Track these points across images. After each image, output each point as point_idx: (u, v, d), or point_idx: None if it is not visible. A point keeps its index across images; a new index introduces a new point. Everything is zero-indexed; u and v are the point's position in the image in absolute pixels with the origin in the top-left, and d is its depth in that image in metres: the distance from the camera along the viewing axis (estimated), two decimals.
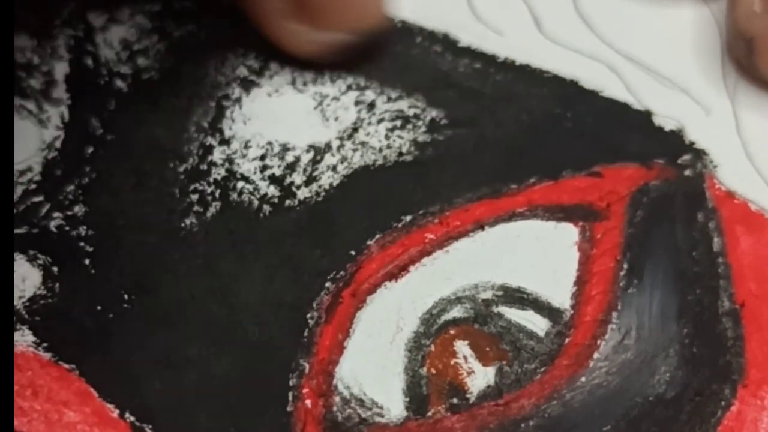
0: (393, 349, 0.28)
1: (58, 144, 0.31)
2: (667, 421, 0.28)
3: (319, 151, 0.31)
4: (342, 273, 0.29)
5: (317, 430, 0.27)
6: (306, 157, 0.31)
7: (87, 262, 0.29)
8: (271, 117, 0.32)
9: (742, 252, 0.30)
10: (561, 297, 0.29)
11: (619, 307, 0.29)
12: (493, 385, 0.28)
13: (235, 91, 0.32)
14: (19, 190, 0.30)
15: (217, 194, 0.31)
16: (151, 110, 0.31)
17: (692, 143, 0.32)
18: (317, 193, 0.31)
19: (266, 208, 0.30)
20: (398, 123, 0.32)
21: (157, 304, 0.29)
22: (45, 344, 0.28)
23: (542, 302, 0.29)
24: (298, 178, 0.31)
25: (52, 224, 0.30)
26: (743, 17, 0.33)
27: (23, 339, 0.28)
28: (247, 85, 0.32)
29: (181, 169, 0.31)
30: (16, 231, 0.30)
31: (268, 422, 0.27)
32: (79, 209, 0.30)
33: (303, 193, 0.31)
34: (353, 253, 0.30)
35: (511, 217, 0.31)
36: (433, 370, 0.28)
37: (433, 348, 0.28)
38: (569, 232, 0.30)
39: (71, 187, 0.30)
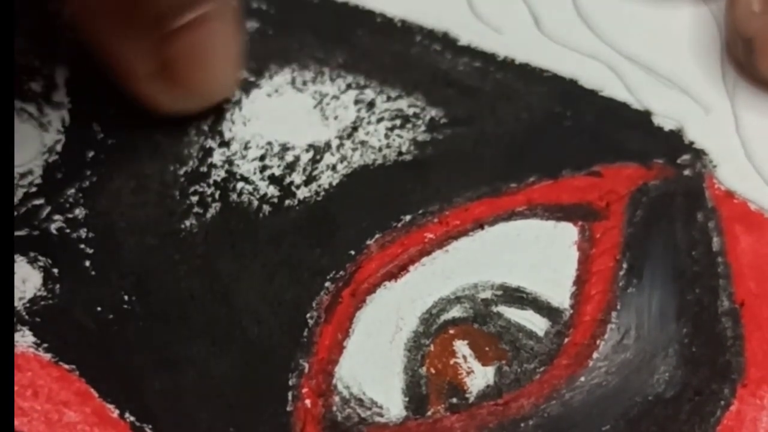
0: (392, 349, 0.28)
1: (59, 147, 0.31)
2: (666, 420, 0.28)
3: (318, 151, 0.31)
4: (341, 273, 0.29)
5: (317, 429, 0.27)
6: (305, 157, 0.31)
7: (87, 263, 0.29)
8: (270, 117, 0.32)
9: (742, 251, 0.30)
10: (560, 296, 0.29)
11: (618, 307, 0.29)
12: (492, 384, 0.28)
13: (235, 93, 0.32)
14: (20, 193, 0.30)
15: (216, 195, 0.31)
16: (152, 115, 0.31)
17: (692, 143, 0.32)
18: (317, 193, 0.31)
19: (266, 208, 0.30)
20: (398, 122, 0.32)
21: (157, 304, 0.29)
22: (45, 345, 0.28)
23: (542, 302, 0.29)
24: (297, 177, 0.31)
25: (53, 226, 0.30)
26: (742, 17, 0.33)
27: (24, 340, 0.28)
28: (247, 86, 0.32)
29: (181, 172, 0.31)
30: (17, 233, 0.30)
31: (267, 422, 0.27)
32: (79, 212, 0.30)
33: (302, 193, 0.31)
34: (353, 252, 0.30)
35: (511, 216, 0.31)
36: (432, 370, 0.28)
37: (432, 348, 0.28)
38: (569, 232, 0.30)
39: (72, 190, 0.31)
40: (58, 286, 0.29)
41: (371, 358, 0.28)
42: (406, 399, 0.28)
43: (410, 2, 0.35)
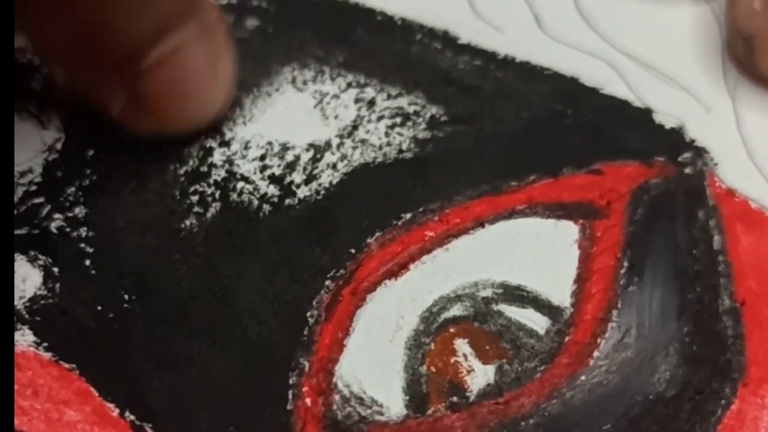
0: (393, 348, 0.28)
1: (59, 146, 0.31)
2: (667, 419, 0.27)
3: (318, 150, 0.31)
4: (342, 271, 0.29)
5: (317, 428, 0.27)
6: (306, 156, 0.31)
7: (87, 262, 0.29)
8: (271, 116, 0.32)
9: (743, 250, 0.30)
10: (561, 295, 0.29)
11: (619, 305, 0.29)
12: (493, 383, 0.28)
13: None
14: (19, 192, 0.30)
15: (217, 195, 0.31)
16: None
17: (693, 141, 0.32)
18: (317, 192, 0.31)
19: (266, 207, 0.30)
20: (398, 120, 0.32)
21: (157, 304, 0.29)
22: (45, 344, 0.28)
23: (542, 300, 0.29)
24: (297, 177, 0.31)
25: (53, 225, 0.30)
26: (742, 15, 0.33)
27: (24, 339, 0.28)
28: (248, 85, 0.32)
29: (182, 172, 0.31)
30: (17, 232, 0.30)
31: (267, 420, 0.27)
32: (79, 210, 0.30)
33: (303, 192, 0.31)
34: (353, 251, 0.30)
35: (511, 214, 0.31)
36: (433, 369, 0.28)
37: (433, 346, 0.28)
38: (569, 230, 0.30)
39: (72, 189, 0.31)
40: (58, 285, 0.29)
41: (371, 357, 0.28)
42: (407, 397, 0.28)
43: (410, 0, 0.35)
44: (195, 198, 0.30)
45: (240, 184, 0.31)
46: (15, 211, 0.30)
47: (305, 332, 0.28)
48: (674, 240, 0.30)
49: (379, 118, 0.32)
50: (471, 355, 0.28)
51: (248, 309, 0.29)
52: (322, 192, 0.31)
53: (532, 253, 0.30)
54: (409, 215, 0.30)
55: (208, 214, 0.30)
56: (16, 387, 0.27)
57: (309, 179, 0.31)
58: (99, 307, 0.29)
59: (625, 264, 0.30)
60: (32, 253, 0.29)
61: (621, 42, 0.34)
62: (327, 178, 0.31)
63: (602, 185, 0.31)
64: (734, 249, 0.30)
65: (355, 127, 0.32)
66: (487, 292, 0.29)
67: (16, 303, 0.29)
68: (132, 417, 0.27)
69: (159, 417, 0.27)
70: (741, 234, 0.30)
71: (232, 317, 0.29)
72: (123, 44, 0.28)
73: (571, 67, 0.33)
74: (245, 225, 0.30)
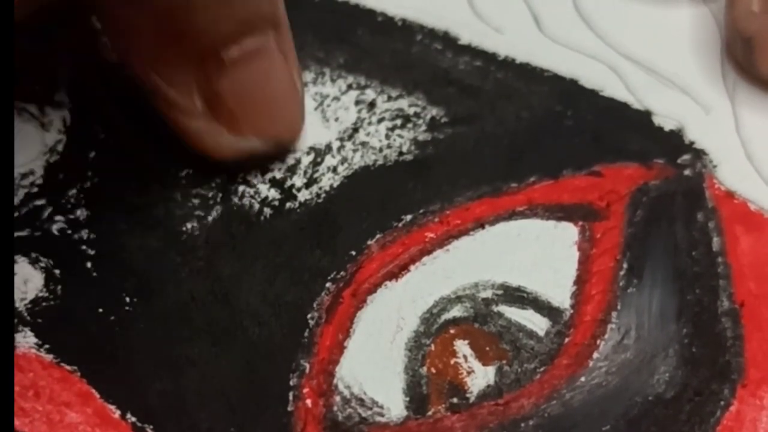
0: (393, 349, 0.28)
1: (60, 147, 0.31)
2: (666, 420, 0.28)
3: (319, 153, 0.31)
4: (342, 273, 0.29)
5: (317, 429, 0.27)
6: (306, 159, 0.31)
7: (89, 265, 0.29)
8: None
9: (742, 251, 0.30)
10: (561, 296, 0.29)
11: (618, 307, 0.29)
12: (493, 384, 0.28)
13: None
14: (21, 194, 0.30)
15: (218, 198, 0.31)
16: (154, 115, 0.31)
17: (692, 143, 0.32)
18: (318, 195, 0.31)
19: (267, 211, 0.30)
20: (398, 122, 0.32)
21: (158, 306, 0.29)
22: (47, 346, 0.28)
23: (542, 301, 0.29)
24: (298, 180, 0.31)
25: (54, 227, 0.30)
26: (741, 17, 0.33)
27: (25, 341, 0.28)
28: None
29: (183, 174, 0.31)
30: (19, 234, 0.30)
31: (268, 422, 0.27)
32: (81, 213, 0.30)
33: (303, 195, 0.31)
34: (354, 253, 0.30)
35: (512, 216, 0.31)
36: (433, 370, 0.28)
37: (433, 347, 0.28)
38: (569, 232, 0.30)
39: (73, 191, 0.31)
40: (59, 287, 0.29)
41: (372, 358, 0.28)
42: (407, 399, 0.28)
43: (411, 1, 0.35)
44: (196, 201, 0.30)
45: (241, 188, 0.31)
46: (16, 213, 0.30)
47: (306, 334, 0.28)
48: (674, 242, 0.30)
49: (380, 120, 0.32)
50: (471, 356, 0.28)
51: (249, 311, 0.29)
52: (323, 195, 0.31)
53: (532, 255, 0.30)
54: (409, 217, 0.30)
55: (210, 217, 0.30)
56: (17, 389, 0.27)
57: (310, 183, 0.31)
58: (100, 309, 0.29)
59: (625, 266, 0.30)
60: (34, 255, 0.29)
61: (620, 43, 0.34)
62: (327, 181, 0.31)
63: (602, 187, 0.31)
64: (733, 250, 0.30)
65: (355, 130, 0.32)
66: (488, 293, 0.29)
67: (17, 305, 0.29)
68: (133, 419, 0.27)
69: (160, 418, 0.27)
70: (740, 235, 0.30)
71: (233, 319, 0.29)
72: (204, 36, 0.27)
73: (570, 68, 0.33)
74: (246, 228, 0.30)
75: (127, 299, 0.29)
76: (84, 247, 0.30)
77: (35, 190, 0.30)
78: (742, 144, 0.32)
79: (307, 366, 0.28)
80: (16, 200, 0.30)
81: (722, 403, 0.28)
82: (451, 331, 0.29)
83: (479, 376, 0.28)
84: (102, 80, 0.32)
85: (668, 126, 0.32)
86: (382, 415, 0.28)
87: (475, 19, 0.35)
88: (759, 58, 0.32)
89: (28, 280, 0.29)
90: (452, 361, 0.28)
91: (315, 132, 0.32)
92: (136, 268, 0.29)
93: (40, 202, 0.30)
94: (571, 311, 0.29)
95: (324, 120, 0.32)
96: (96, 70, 0.32)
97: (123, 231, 0.30)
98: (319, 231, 0.30)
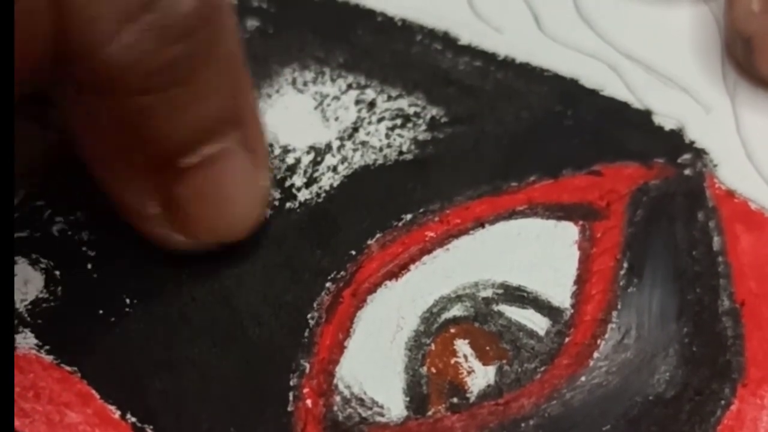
0: (393, 349, 0.28)
1: (60, 148, 0.31)
2: (666, 420, 0.27)
3: (319, 152, 0.31)
4: (342, 273, 0.29)
5: (318, 429, 0.27)
6: (306, 159, 0.31)
7: (89, 266, 0.29)
8: (271, 118, 0.32)
9: (742, 251, 0.30)
10: (561, 296, 0.29)
11: (619, 307, 0.29)
12: (493, 384, 0.28)
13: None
14: (21, 194, 0.30)
15: None
16: None
17: (692, 142, 0.32)
18: (317, 195, 0.31)
19: (266, 211, 0.30)
20: (398, 121, 0.32)
21: (158, 306, 0.29)
22: (47, 347, 0.28)
23: (542, 301, 0.29)
24: (298, 180, 0.31)
25: (55, 228, 0.30)
26: (741, 16, 0.33)
27: (25, 342, 0.28)
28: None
29: None
30: (19, 234, 0.30)
31: (268, 422, 0.27)
32: (81, 213, 0.30)
33: (303, 195, 0.31)
34: (354, 252, 0.30)
35: (512, 215, 0.31)
36: (433, 369, 0.28)
37: (433, 347, 0.28)
38: (569, 231, 0.30)
39: (74, 192, 0.30)
40: (60, 288, 0.29)
41: (372, 358, 0.28)
42: (407, 399, 0.28)
43: (411, 1, 0.35)
44: None
45: None
46: (16, 214, 0.30)
47: (306, 334, 0.28)
48: (674, 241, 0.30)
49: (380, 120, 0.32)
50: (471, 355, 0.28)
51: (249, 311, 0.29)
52: (323, 195, 0.31)
53: (532, 254, 0.30)
54: (409, 216, 0.30)
55: None
56: (17, 389, 0.27)
57: (309, 182, 0.31)
58: (101, 311, 0.29)
59: (625, 265, 0.30)
60: (34, 255, 0.29)
61: (620, 43, 0.34)
62: (327, 181, 0.31)
63: (602, 186, 0.31)
64: (734, 250, 0.30)
65: (355, 129, 0.32)
66: (488, 293, 0.29)
67: (17, 306, 0.29)
68: (133, 419, 0.27)
69: (160, 419, 0.27)
70: (741, 235, 0.30)
71: (233, 319, 0.29)
72: (160, 144, 0.27)
73: (571, 68, 0.33)
74: None
75: (127, 300, 0.29)
76: (84, 248, 0.30)
77: (35, 190, 0.30)
78: (743, 143, 0.32)
79: (307, 366, 0.28)
80: (16, 200, 0.30)
81: (723, 402, 0.28)
82: (452, 331, 0.29)
83: (479, 376, 0.28)
84: None
85: (668, 125, 0.32)
86: (383, 415, 0.28)
87: (475, 19, 0.35)
88: (759, 58, 0.32)
89: (29, 281, 0.29)
90: (452, 361, 0.28)
91: (315, 131, 0.32)
92: (136, 268, 0.29)
93: (40, 203, 0.30)
94: (572, 311, 0.29)
95: (324, 119, 0.32)
96: None
97: (123, 231, 0.30)
98: (319, 231, 0.30)
